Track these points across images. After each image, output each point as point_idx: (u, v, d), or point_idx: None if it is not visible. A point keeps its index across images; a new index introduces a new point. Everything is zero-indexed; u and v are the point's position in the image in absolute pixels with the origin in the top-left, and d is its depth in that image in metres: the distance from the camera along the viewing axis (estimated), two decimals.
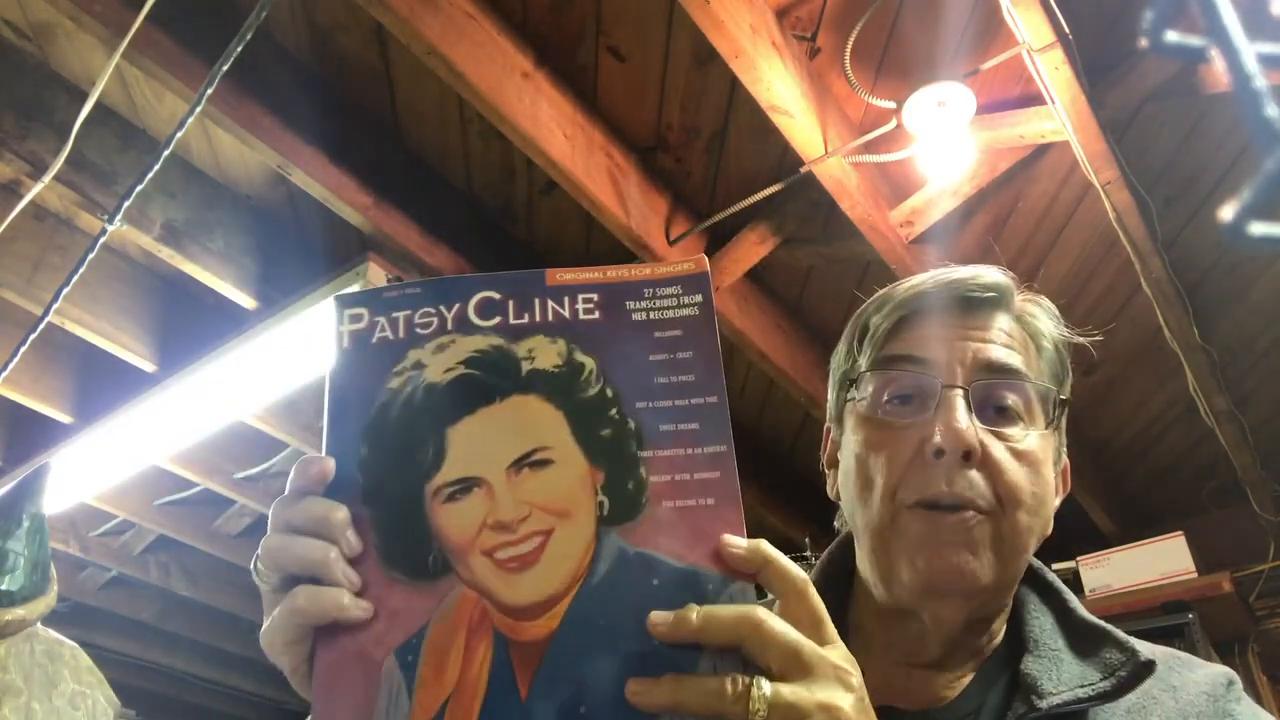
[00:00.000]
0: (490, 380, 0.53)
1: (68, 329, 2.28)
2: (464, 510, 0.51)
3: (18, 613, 1.68)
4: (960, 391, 0.65)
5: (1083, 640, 0.67)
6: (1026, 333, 0.72)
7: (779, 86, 1.70)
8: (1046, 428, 0.68)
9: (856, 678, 0.47)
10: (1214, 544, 2.92)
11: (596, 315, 0.55)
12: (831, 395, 0.77)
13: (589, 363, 0.54)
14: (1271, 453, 2.85)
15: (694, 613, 0.46)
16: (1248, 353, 2.60)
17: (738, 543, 0.49)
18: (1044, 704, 0.61)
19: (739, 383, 2.79)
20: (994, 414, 0.66)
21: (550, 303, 0.56)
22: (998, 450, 0.64)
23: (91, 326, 2.27)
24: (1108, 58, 1.83)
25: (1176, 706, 0.64)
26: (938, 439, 0.63)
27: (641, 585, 0.49)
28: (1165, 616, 2.53)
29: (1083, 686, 0.63)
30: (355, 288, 1.99)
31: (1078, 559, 2.76)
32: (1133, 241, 2.07)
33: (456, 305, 0.55)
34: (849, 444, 0.71)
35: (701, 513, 0.50)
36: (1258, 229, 0.22)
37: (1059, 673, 0.64)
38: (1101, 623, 0.68)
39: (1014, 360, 0.68)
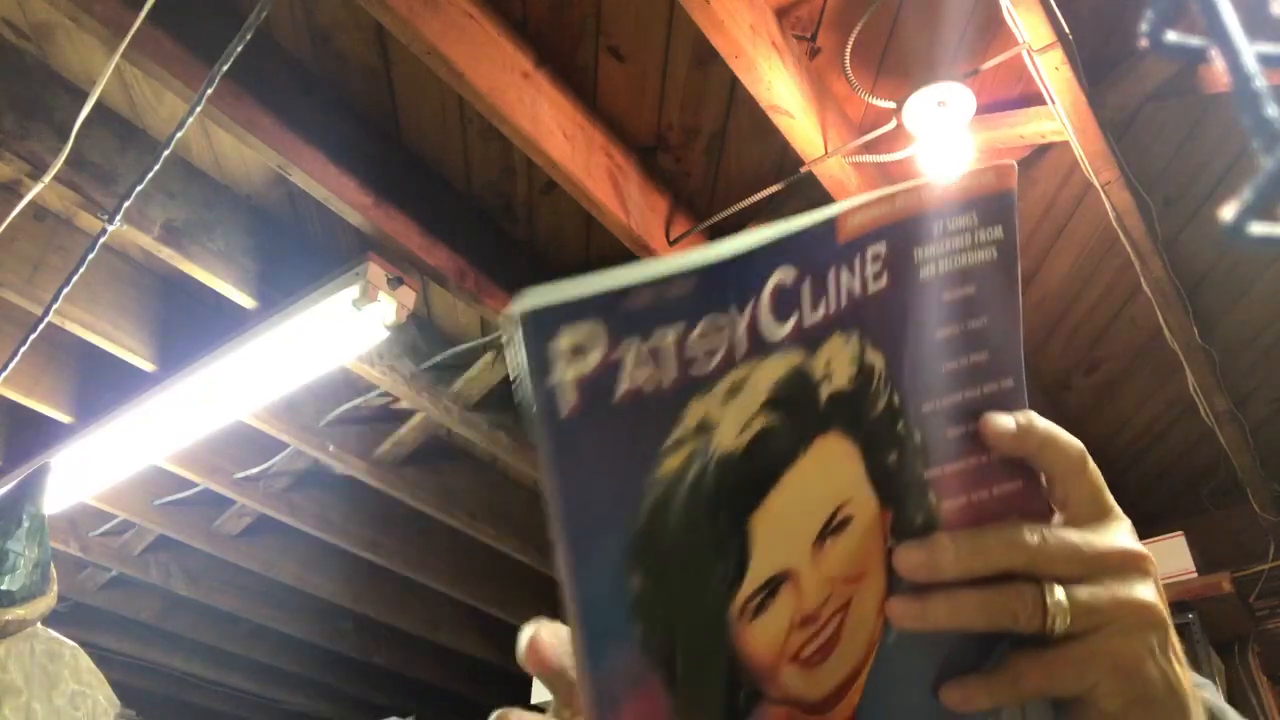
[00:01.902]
0: (794, 428, 0.35)
1: (68, 329, 2.28)
2: (772, 621, 0.36)
3: (18, 613, 1.68)
4: None
5: None
6: None
7: (779, 86, 1.70)
8: None
9: (1150, 560, 0.42)
10: (1214, 544, 2.92)
11: (884, 281, 0.37)
12: None
13: (878, 364, 0.37)
14: (1271, 453, 2.84)
15: (948, 553, 0.38)
16: (1248, 353, 2.60)
17: (1004, 422, 0.40)
18: None
19: None
20: None
21: (843, 273, 0.35)
22: None
23: (91, 326, 2.27)
24: (1108, 58, 1.83)
25: None
26: None
27: (940, 637, 0.40)
28: None
29: None
30: (355, 288, 1.99)
31: None
32: (1133, 241, 2.07)
33: (751, 303, 0.32)
34: None
35: None
36: (1258, 229, 0.22)
37: None
38: None
39: None
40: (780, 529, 0.35)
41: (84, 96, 1.64)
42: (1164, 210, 2.11)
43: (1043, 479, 0.41)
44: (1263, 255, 2.18)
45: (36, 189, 1.76)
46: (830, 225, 0.34)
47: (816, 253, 0.34)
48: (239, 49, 1.45)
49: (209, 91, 1.51)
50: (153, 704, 4.56)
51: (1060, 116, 1.77)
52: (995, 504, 0.40)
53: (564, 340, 0.28)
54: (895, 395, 0.38)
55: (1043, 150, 2.03)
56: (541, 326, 0.28)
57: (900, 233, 0.37)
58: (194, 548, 3.35)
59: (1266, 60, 0.22)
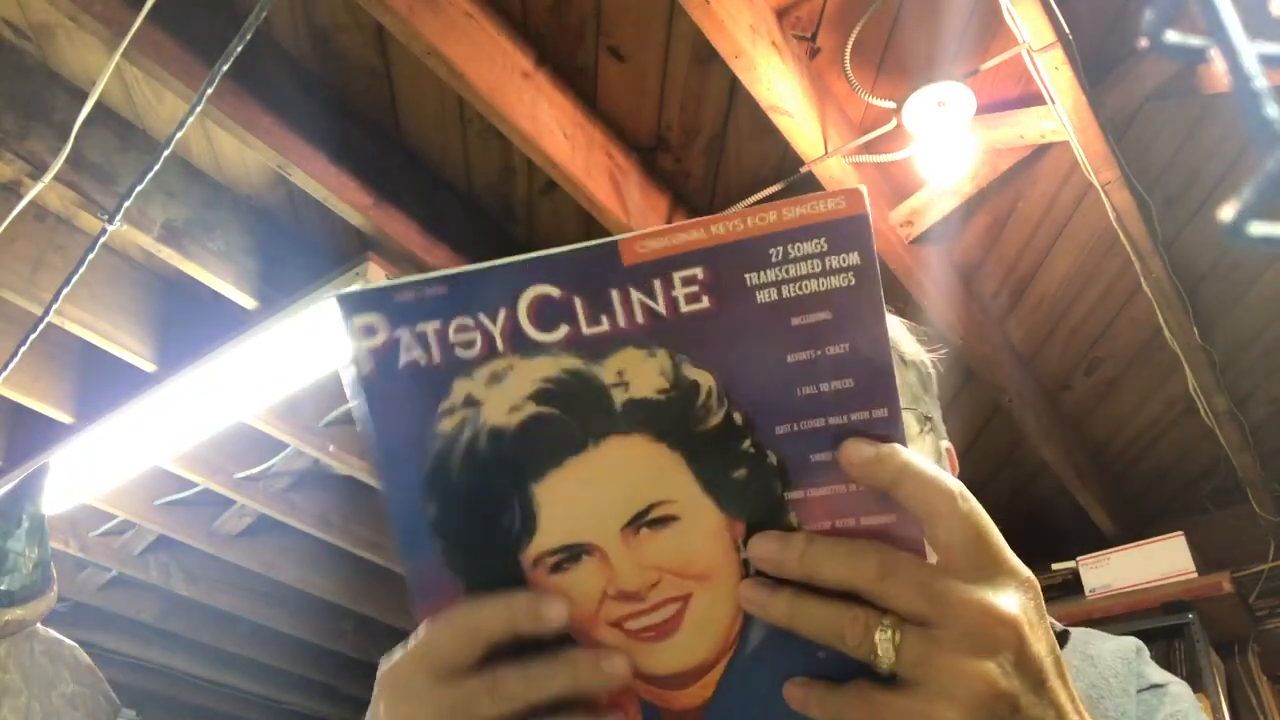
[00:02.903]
0: (574, 421, 0.40)
1: (68, 329, 2.28)
2: (577, 581, 0.41)
3: (17, 613, 1.68)
4: None
5: None
6: None
7: (779, 86, 1.70)
8: (920, 435, 0.73)
9: (1017, 628, 0.37)
10: (1214, 544, 2.92)
11: (704, 303, 0.38)
12: None
13: (704, 381, 0.39)
14: (1271, 453, 2.84)
15: (795, 550, 0.39)
16: (1248, 353, 2.60)
17: (860, 449, 0.39)
18: None
19: None
20: None
21: (634, 293, 0.39)
22: None
23: (91, 326, 2.27)
24: (1108, 58, 1.83)
25: (1097, 672, 0.70)
26: None
27: (804, 657, 0.40)
28: (1165, 616, 2.53)
29: None
30: (355, 287, 1.98)
31: (1078, 559, 2.76)
32: (1133, 241, 2.07)
33: (502, 311, 0.39)
34: None
35: None
36: (1258, 229, 0.22)
37: None
38: None
39: None
40: (571, 505, 0.41)
41: (84, 96, 1.64)
42: (1164, 210, 2.11)
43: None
44: (1263, 255, 2.19)
45: (36, 189, 1.76)
46: (610, 250, 0.39)
47: (591, 274, 0.39)
48: (239, 49, 1.45)
49: (209, 91, 1.51)
50: (153, 704, 4.56)
51: (1060, 116, 1.77)
52: (862, 534, 0.39)
53: (356, 321, 0.40)
54: (736, 414, 0.39)
55: (1043, 150, 2.03)
56: (344, 309, 0.40)
57: (721, 258, 0.38)
58: (194, 548, 3.35)
59: (1266, 60, 0.22)
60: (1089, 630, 0.77)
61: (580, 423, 0.40)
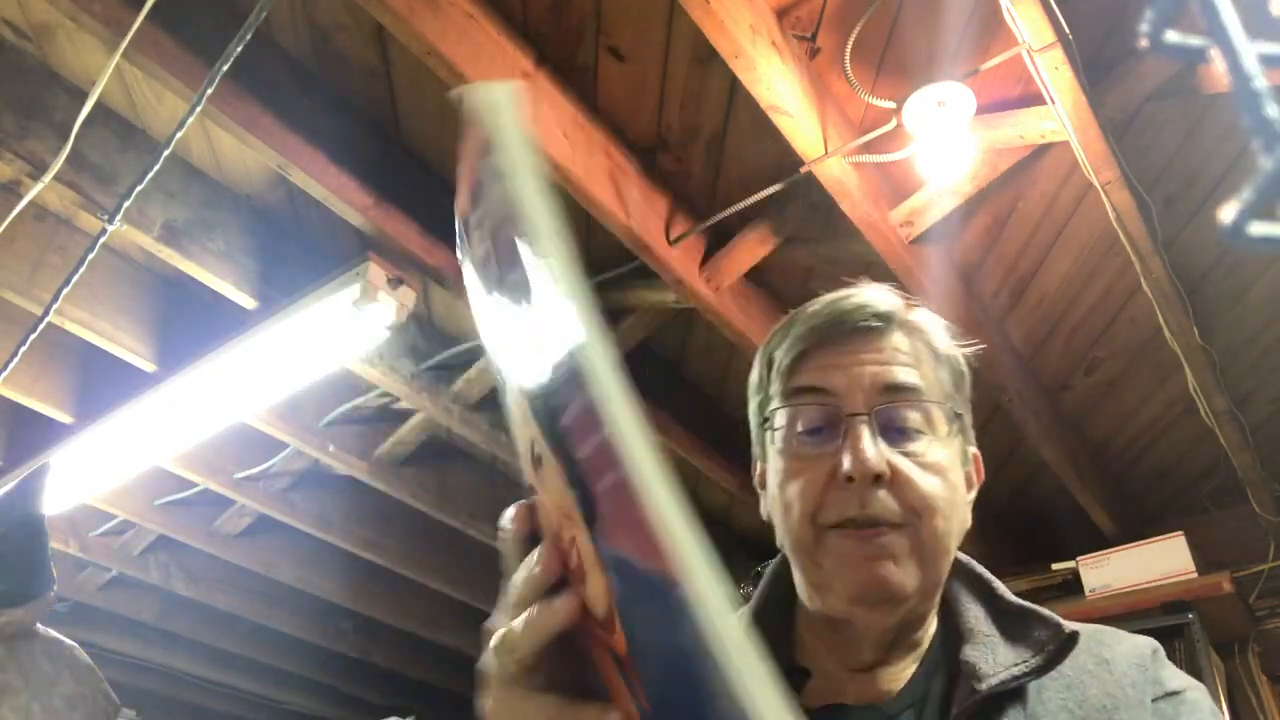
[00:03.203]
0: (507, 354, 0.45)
1: (68, 329, 2.28)
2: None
3: (16, 614, 1.68)
4: (864, 418, 0.69)
5: (1013, 623, 0.72)
6: (921, 345, 0.75)
7: (779, 86, 1.70)
8: (949, 434, 0.72)
9: None
10: (1214, 544, 2.92)
11: (492, 245, 0.39)
12: (753, 424, 0.81)
13: (530, 320, 0.38)
14: (1271, 453, 2.85)
15: None
16: (1248, 353, 2.60)
17: None
18: (983, 686, 0.66)
19: (742, 386, 2.78)
20: (897, 434, 0.70)
21: (471, 239, 0.43)
22: (905, 466, 0.68)
23: (91, 326, 2.27)
24: (1108, 58, 1.83)
25: (1113, 678, 0.69)
26: (847, 467, 0.67)
27: (653, 602, 0.32)
28: (1165, 616, 2.53)
29: (1017, 665, 0.67)
30: (355, 288, 1.99)
31: (1078, 559, 2.76)
32: (1133, 241, 2.07)
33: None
34: (773, 471, 0.75)
35: (620, 491, 0.31)
36: (1258, 229, 0.22)
37: (995, 656, 0.69)
38: (1027, 604, 0.73)
39: (911, 378, 0.71)
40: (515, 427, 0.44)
41: (84, 96, 1.64)
42: (1164, 210, 2.11)
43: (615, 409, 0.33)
44: (1263, 255, 2.19)
45: (36, 189, 1.76)
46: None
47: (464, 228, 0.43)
48: (239, 49, 1.45)
49: (209, 91, 1.51)
50: (153, 704, 4.56)
51: (1060, 116, 1.77)
52: (598, 452, 0.32)
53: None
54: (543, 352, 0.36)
55: (1043, 150, 2.03)
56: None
57: (476, 204, 0.40)
58: (194, 548, 3.35)
59: (1266, 60, 0.22)
60: (1101, 628, 0.74)
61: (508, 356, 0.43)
